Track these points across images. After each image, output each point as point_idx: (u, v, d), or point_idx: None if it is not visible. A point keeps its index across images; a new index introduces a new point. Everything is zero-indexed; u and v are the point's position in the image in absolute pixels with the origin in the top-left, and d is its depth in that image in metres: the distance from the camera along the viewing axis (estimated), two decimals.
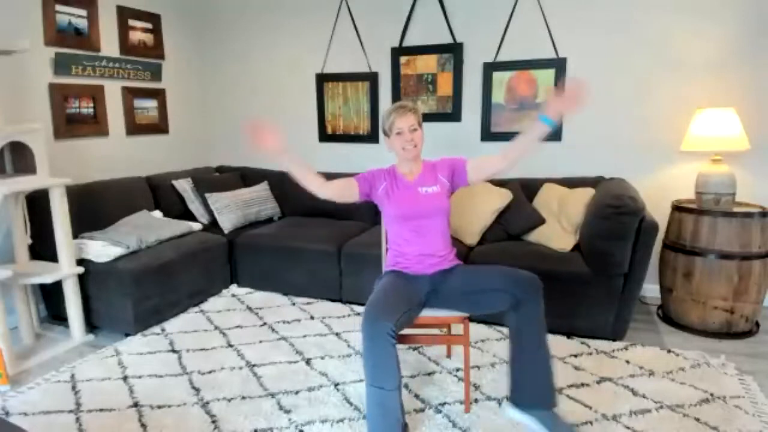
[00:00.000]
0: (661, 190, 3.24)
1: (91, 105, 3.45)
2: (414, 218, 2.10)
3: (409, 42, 3.72)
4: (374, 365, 1.74)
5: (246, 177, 4.13)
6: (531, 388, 1.84)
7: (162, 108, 4.05)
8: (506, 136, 3.54)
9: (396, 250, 2.17)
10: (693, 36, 3.05)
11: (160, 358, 2.57)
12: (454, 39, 3.57)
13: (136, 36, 3.78)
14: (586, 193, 2.97)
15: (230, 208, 3.64)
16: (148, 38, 3.88)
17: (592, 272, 2.64)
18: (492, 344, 2.67)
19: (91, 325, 2.91)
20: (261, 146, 2.01)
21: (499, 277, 1.94)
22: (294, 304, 3.28)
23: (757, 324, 2.87)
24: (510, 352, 1.90)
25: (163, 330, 2.90)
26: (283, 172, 4.08)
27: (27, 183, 2.55)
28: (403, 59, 3.73)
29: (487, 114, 3.57)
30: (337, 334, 2.83)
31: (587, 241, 2.74)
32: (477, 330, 2.83)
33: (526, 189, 3.26)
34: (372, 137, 3.94)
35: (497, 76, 3.50)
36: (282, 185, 4.02)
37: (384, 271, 2.21)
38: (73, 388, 2.30)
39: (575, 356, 2.53)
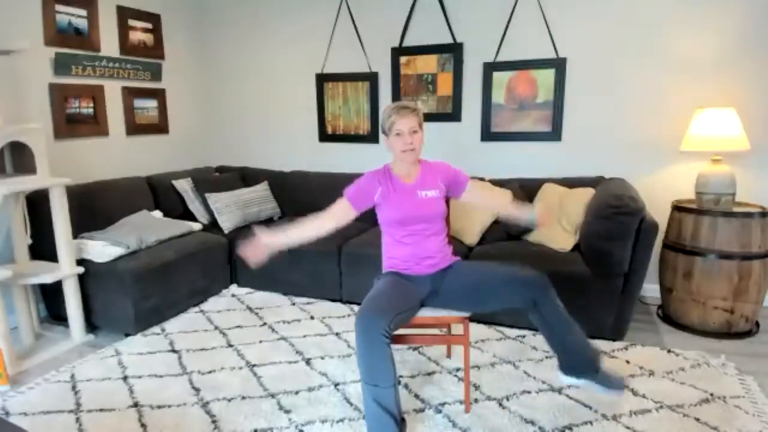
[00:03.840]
0: (661, 190, 3.24)
1: (91, 105, 3.45)
2: (413, 222, 2.08)
3: (409, 42, 3.71)
4: (368, 364, 1.74)
5: (246, 177, 4.13)
6: (577, 360, 1.95)
7: (162, 108, 4.04)
8: (506, 136, 3.55)
9: (390, 252, 2.16)
10: (693, 36, 3.05)
11: (160, 358, 2.57)
12: (454, 39, 3.57)
13: (136, 36, 3.78)
14: (586, 193, 2.98)
15: (230, 208, 3.64)
16: (148, 38, 3.88)
17: (592, 272, 2.64)
18: (492, 344, 2.67)
19: (91, 325, 2.92)
20: (254, 260, 2.02)
21: (506, 279, 1.98)
22: (294, 304, 3.28)
23: (757, 324, 2.87)
24: (545, 336, 1.99)
25: (163, 330, 2.90)
26: (283, 172, 4.10)
27: (27, 183, 2.55)
28: (403, 59, 3.73)
29: (487, 114, 3.57)
30: (337, 334, 2.83)
31: (587, 241, 2.74)
32: (477, 330, 2.83)
33: (526, 189, 3.26)
34: (372, 137, 3.94)
35: (497, 76, 3.50)
36: (282, 185, 4.02)
37: (384, 272, 2.20)
38: (73, 388, 2.30)
39: None
